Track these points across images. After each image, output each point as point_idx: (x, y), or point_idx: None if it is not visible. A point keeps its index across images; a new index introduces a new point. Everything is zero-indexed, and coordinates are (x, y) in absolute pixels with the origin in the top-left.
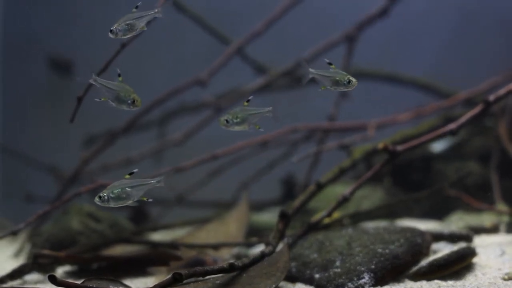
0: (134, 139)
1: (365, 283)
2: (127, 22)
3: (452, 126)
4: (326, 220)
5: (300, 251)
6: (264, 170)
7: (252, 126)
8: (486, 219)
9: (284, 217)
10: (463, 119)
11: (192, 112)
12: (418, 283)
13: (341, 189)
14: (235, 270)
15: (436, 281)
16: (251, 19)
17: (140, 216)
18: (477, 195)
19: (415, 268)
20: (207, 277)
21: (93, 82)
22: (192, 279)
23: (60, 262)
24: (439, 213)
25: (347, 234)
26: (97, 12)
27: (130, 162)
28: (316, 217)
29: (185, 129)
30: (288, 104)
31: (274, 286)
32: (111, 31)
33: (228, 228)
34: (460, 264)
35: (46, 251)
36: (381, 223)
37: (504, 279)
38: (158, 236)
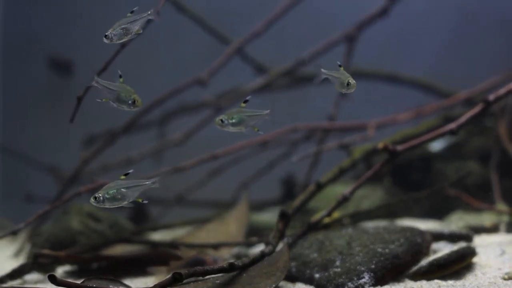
0: (134, 139)
1: (365, 283)
2: (122, 26)
3: (452, 125)
4: (326, 220)
5: (300, 251)
6: (264, 170)
7: (249, 128)
8: (486, 219)
9: (284, 217)
10: (463, 118)
11: (192, 112)
12: (418, 283)
13: (341, 189)
14: (235, 269)
15: (436, 280)
16: (251, 19)
17: (140, 216)
18: (477, 195)
19: (415, 268)
20: (207, 276)
21: (95, 84)
22: (192, 279)
23: (60, 262)
24: (439, 213)
25: (347, 233)
26: (97, 12)
27: (130, 162)
28: (316, 217)
29: (185, 129)
30: (288, 104)
31: (274, 285)
32: (105, 36)
33: (228, 228)
34: (460, 263)
35: (46, 251)
36: (381, 223)
37: (504, 279)
38: (158, 236)
